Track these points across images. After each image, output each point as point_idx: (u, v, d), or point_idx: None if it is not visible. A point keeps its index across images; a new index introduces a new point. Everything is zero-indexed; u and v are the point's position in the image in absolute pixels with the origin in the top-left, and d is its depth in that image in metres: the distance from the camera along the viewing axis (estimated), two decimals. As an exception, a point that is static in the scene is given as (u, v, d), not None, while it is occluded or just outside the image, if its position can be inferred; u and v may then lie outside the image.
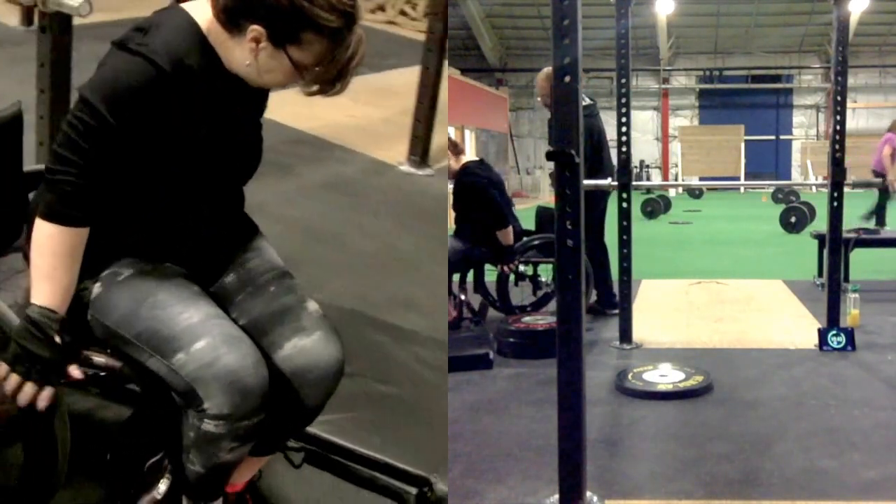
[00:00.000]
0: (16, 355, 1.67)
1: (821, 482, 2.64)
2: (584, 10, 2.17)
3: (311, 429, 2.14)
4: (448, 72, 8.61)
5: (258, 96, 1.94)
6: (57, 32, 2.76)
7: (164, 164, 1.77)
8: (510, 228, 4.67)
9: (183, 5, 1.81)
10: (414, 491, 2.27)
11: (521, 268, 4.83)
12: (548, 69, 4.72)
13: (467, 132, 18.47)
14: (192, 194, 1.85)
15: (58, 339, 1.70)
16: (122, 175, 1.74)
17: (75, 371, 1.75)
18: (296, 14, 1.67)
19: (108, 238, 1.80)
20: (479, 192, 4.63)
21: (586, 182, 2.36)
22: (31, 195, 2.09)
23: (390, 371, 2.60)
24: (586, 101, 4.92)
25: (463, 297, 4.75)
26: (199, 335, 1.75)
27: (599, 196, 4.80)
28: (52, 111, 2.77)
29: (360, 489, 2.27)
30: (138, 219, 1.83)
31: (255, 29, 1.70)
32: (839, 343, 4.22)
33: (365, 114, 4.92)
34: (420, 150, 4.57)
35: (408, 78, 4.86)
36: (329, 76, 1.75)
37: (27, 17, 6.30)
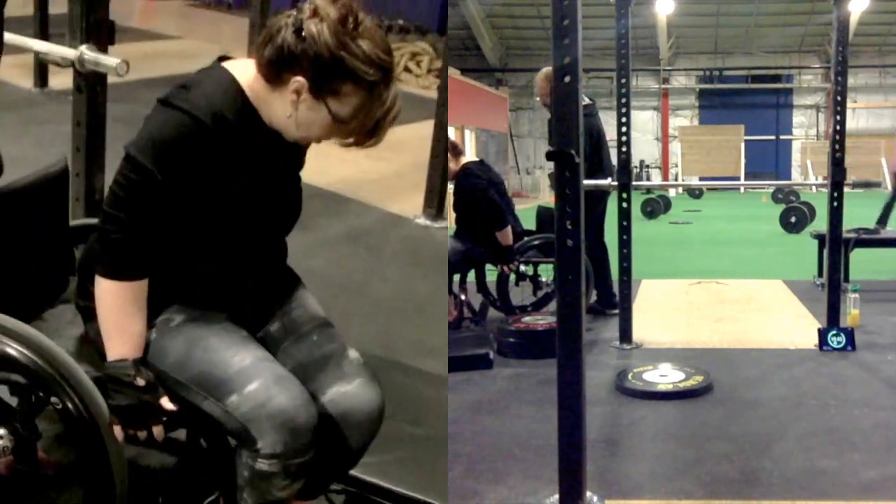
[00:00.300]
0: (112, 412, 1.79)
1: (821, 482, 2.64)
2: (584, 10, 2.17)
3: (352, 471, 2.17)
4: (449, 72, 8.64)
5: (296, 152, 2.00)
6: (92, 92, 2.84)
7: (204, 215, 1.84)
8: (509, 229, 4.67)
9: (224, 64, 1.88)
10: None
11: (522, 268, 4.84)
12: (547, 69, 4.73)
13: (467, 132, 18.48)
14: (232, 245, 1.91)
15: (140, 381, 1.79)
16: (168, 227, 1.81)
17: (167, 403, 1.83)
18: (336, 66, 1.73)
19: (157, 286, 1.86)
20: (479, 193, 4.64)
21: (586, 182, 2.36)
22: (76, 249, 2.21)
23: (422, 413, 2.69)
24: (585, 101, 4.92)
25: (463, 297, 4.75)
26: (251, 377, 1.81)
27: (599, 196, 4.80)
28: (88, 168, 2.85)
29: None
30: (183, 268, 1.90)
31: (296, 80, 1.76)
32: (839, 343, 4.23)
33: (377, 168, 5.06)
34: (436, 202, 4.64)
35: (416, 133, 5.02)
36: (365, 129, 1.82)
37: (41, 79, 6.41)
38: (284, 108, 1.81)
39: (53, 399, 1.78)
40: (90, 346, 1.94)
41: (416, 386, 2.84)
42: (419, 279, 4.09)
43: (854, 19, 20.09)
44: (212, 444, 2.00)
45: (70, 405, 1.78)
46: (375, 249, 4.27)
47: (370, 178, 4.99)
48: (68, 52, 2.74)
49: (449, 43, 8.77)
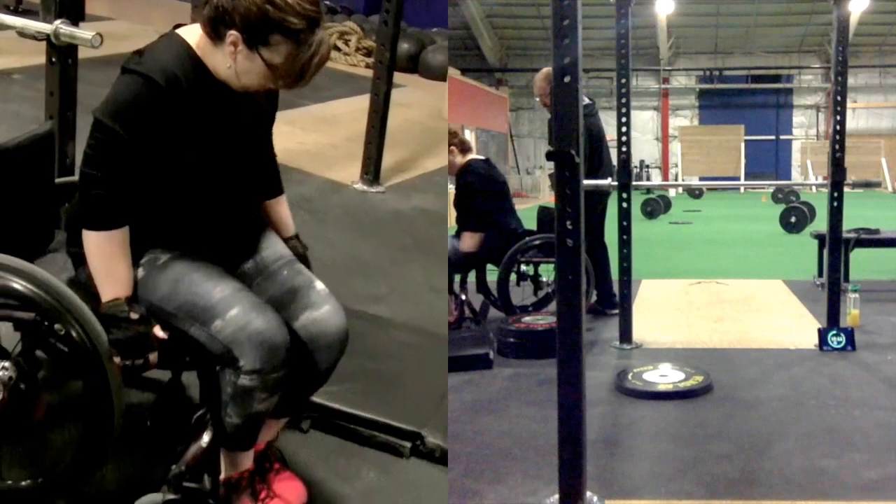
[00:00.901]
0: (112, 346, 2.03)
1: (821, 482, 2.64)
2: (584, 10, 2.17)
3: (316, 398, 2.55)
4: (448, 72, 8.67)
5: (254, 105, 2.21)
6: (65, 64, 3.05)
7: (167, 172, 2.08)
8: (472, 235, 4.64)
9: (177, 30, 2.12)
10: (408, 444, 2.76)
11: (523, 268, 4.84)
12: (546, 69, 4.73)
13: (467, 132, 18.47)
14: (197, 198, 2.15)
15: (134, 315, 2.04)
16: (141, 180, 2.05)
17: (160, 332, 2.08)
18: (264, 19, 1.97)
19: (140, 230, 2.10)
20: (470, 192, 4.65)
21: (586, 182, 2.37)
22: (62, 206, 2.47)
23: (373, 350, 3.08)
24: (585, 101, 4.91)
25: (464, 297, 4.75)
26: (231, 304, 2.08)
27: (599, 196, 4.80)
28: (61, 135, 3.03)
29: (362, 447, 2.74)
30: (161, 215, 2.14)
31: (232, 34, 2.00)
32: (839, 343, 4.23)
33: (314, 140, 5.39)
34: (372, 169, 4.93)
35: (348, 107, 5.65)
36: (293, 71, 2.03)
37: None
38: (225, 61, 2.04)
39: (57, 326, 2.02)
40: (81, 289, 2.12)
41: (367, 327, 3.24)
42: (360, 240, 4.39)
43: (854, 19, 20.08)
44: (198, 369, 2.28)
45: (74, 333, 2.01)
46: (317, 213, 4.50)
47: (308, 149, 5.23)
48: (44, 27, 2.93)
49: (449, 43, 8.79)
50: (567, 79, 2.13)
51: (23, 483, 2.20)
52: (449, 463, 2.75)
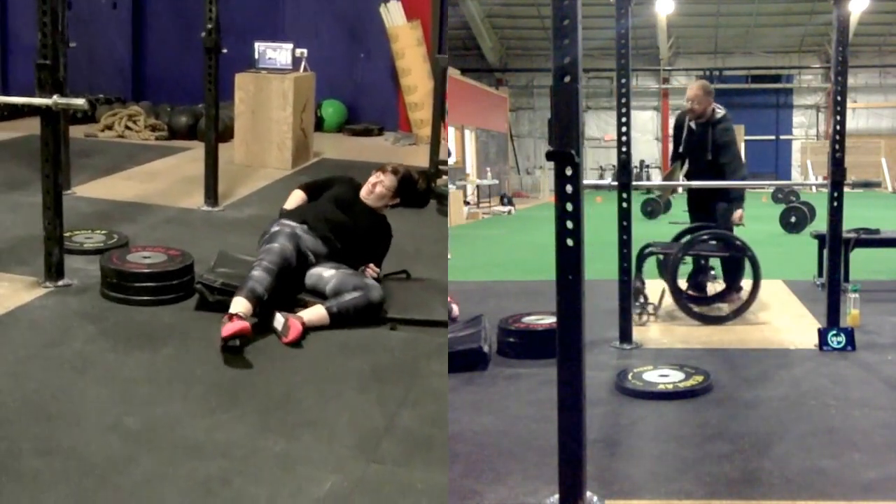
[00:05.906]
0: None
1: (821, 482, 2.65)
2: (584, 10, 2.18)
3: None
4: (449, 72, 8.69)
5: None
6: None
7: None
8: None
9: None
10: None
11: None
12: (701, 82, 5.22)
13: (467, 132, 18.46)
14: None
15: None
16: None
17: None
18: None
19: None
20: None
21: (586, 182, 2.37)
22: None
23: None
24: (722, 112, 5.27)
25: (639, 284, 4.82)
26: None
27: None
28: None
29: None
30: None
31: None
32: (839, 343, 4.23)
33: (152, 186, 7.39)
34: (212, 195, 6.67)
35: (162, 165, 8.40)
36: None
37: None
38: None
39: None
40: None
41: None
42: (222, 235, 5.76)
43: (854, 19, 20.06)
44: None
45: None
46: (185, 226, 6.05)
47: (152, 192, 7.08)
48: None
49: (449, 43, 8.84)
50: (567, 79, 2.13)
51: None
52: (449, 463, 2.75)
